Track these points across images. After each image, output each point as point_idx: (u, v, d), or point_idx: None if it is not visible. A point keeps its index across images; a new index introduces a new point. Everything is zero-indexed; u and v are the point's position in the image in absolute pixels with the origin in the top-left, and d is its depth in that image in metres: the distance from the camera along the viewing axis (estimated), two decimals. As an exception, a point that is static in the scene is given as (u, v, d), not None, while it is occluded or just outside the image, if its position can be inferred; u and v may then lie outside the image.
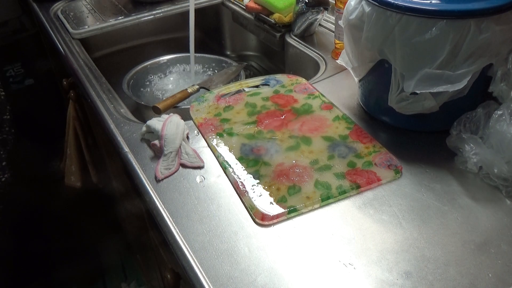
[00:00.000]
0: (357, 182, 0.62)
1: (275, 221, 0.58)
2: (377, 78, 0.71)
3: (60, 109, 1.43)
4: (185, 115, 0.77)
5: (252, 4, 1.15)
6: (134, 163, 0.69)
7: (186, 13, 1.27)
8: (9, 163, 1.23)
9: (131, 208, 1.07)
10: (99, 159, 1.18)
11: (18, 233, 1.46)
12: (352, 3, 0.69)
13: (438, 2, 0.61)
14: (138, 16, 1.22)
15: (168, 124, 0.71)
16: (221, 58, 1.18)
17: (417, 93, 0.64)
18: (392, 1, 0.62)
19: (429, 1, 0.61)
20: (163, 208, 0.60)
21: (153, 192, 0.63)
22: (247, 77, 1.11)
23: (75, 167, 1.16)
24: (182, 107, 0.96)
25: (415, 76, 0.63)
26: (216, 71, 1.16)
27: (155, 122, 0.73)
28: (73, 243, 1.60)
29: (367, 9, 0.65)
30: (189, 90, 1.00)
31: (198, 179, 0.65)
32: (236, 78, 1.07)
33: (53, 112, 1.45)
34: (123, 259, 1.59)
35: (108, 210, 1.50)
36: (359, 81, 0.77)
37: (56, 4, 1.29)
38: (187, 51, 1.19)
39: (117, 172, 1.06)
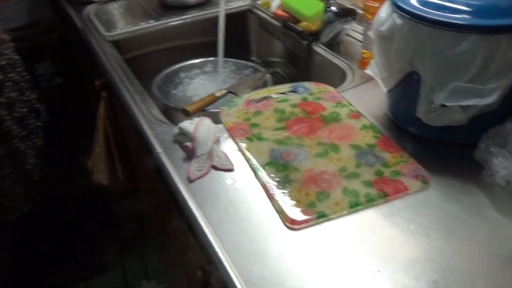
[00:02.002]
0: (384, 190, 0.63)
1: (304, 225, 0.59)
2: (406, 89, 0.73)
3: (86, 107, 1.47)
4: (213, 118, 0.79)
5: (280, 12, 1.17)
6: (167, 164, 0.71)
7: (214, 19, 1.30)
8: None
9: (157, 207, 1.09)
10: (127, 158, 1.21)
11: (51, 232, 1.50)
12: (383, 14, 0.71)
13: (469, 16, 0.62)
14: (168, 20, 1.26)
15: (200, 127, 0.73)
16: (248, 63, 1.20)
17: (446, 106, 0.65)
18: (424, 15, 0.63)
19: (461, 16, 0.62)
20: (196, 208, 0.63)
21: (186, 192, 0.66)
22: (273, 82, 1.13)
23: (103, 165, 1.20)
24: (210, 110, 0.98)
25: (445, 89, 0.64)
26: (242, 75, 1.18)
27: (188, 125, 0.75)
28: (93, 241, 1.64)
29: (398, 21, 0.67)
30: (217, 94, 1.03)
31: (228, 182, 0.67)
32: (263, 84, 1.09)
33: (79, 110, 1.48)
34: (145, 257, 1.62)
35: (134, 209, 1.53)
36: (388, 91, 0.78)
37: (89, 7, 1.33)
38: (214, 55, 1.22)
39: (145, 171, 1.09)
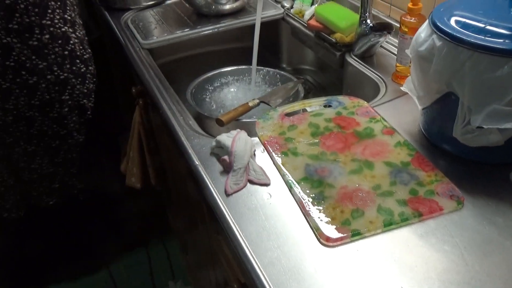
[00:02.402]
0: (419, 210, 0.64)
1: (338, 243, 0.61)
2: (442, 108, 0.73)
3: (116, 112, 1.52)
4: (247, 129, 0.81)
5: (314, 22, 1.18)
6: (205, 176, 0.74)
7: (247, 27, 1.33)
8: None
9: (187, 210, 1.12)
10: (159, 164, 1.25)
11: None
12: (423, 35, 0.71)
13: (511, 41, 0.62)
14: (203, 29, 1.28)
15: (238, 141, 0.75)
16: (279, 71, 1.22)
17: (483, 127, 0.66)
18: (465, 38, 0.64)
19: (501, 40, 0.62)
20: (233, 223, 0.65)
21: (223, 206, 0.68)
22: (304, 91, 1.14)
23: (136, 169, 1.24)
24: (243, 120, 1.00)
25: (483, 111, 0.64)
26: (274, 84, 1.20)
27: (225, 138, 0.77)
28: (122, 241, 1.68)
29: (438, 43, 0.67)
30: (250, 104, 1.05)
31: (265, 196, 0.69)
32: (295, 93, 1.10)
33: (109, 114, 1.53)
34: (172, 259, 1.66)
35: (161, 211, 1.57)
36: (423, 108, 0.78)
37: (126, 14, 1.37)
38: (246, 63, 1.24)
39: (177, 178, 1.12)
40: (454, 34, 0.65)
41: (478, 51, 0.63)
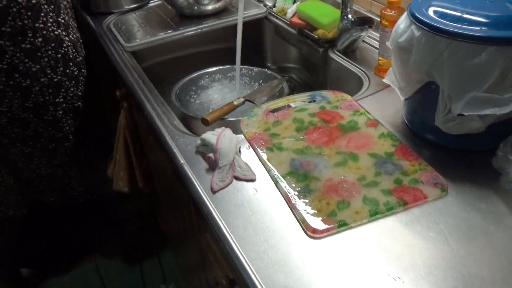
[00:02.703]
0: (404, 199, 0.65)
1: (325, 234, 0.61)
2: (424, 98, 0.74)
3: (101, 115, 1.51)
4: (232, 127, 0.81)
5: (296, 20, 1.19)
6: (190, 175, 0.73)
7: (230, 27, 1.33)
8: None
9: (175, 211, 1.12)
10: (146, 166, 1.24)
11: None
12: (402, 26, 0.72)
13: (488, 28, 0.63)
14: (186, 30, 1.28)
15: (222, 138, 0.75)
16: (264, 70, 1.22)
17: (464, 115, 0.66)
18: (442, 27, 0.64)
19: (479, 27, 0.63)
20: (220, 219, 0.65)
21: (210, 203, 0.68)
22: (289, 89, 1.15)
23: (123, 173, 1.23)
24: (229, 119, 1.00)
25: (463, 98, 0.65)
26: (258, 83, 1.20)
27: (210, 136, 0.77)
28: (114, 244, 1.68)
29: (417, 33, 0.68)
30: (235, 103, 1.05)
31: (251, 192, 0.69)
32: (280, 91, 1.11)
33: (96, 118, 1.52)
34: (163, 262, 1.65)
35: (151, 214, 1.56)
36: (405, 99, 0.79)
37: (108, 18, 1.37)
38: (230, 63, 1.24)
39: (164, 179, 1.11)
40: (432, 23, 0.66)
41: (456, 39, 0.64)
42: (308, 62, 1.30)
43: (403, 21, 0.72)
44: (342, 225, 0.62)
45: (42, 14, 1.13)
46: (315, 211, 0.64)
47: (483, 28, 0.63)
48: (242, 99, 1.07)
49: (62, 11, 1.19)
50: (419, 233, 0.60)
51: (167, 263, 1.64)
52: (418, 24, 0.68)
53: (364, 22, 1.01)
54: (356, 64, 1.05)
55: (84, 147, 1.35)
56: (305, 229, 0.62)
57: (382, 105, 0.87)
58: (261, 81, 1.20)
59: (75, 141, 1.32)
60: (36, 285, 1.60)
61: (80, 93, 1.28)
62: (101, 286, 1.59)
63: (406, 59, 0.71)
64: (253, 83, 1.21)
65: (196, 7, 1.32)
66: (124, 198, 1.46)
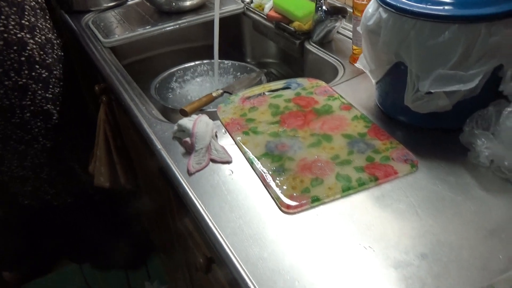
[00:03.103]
0: (375, 175, 0.66)
1: (299, 209, 0.62)
2: (394, 79, 0.76)
3: (85, 113, 1.51)
4: (211, 117, 0.82)
5: (273, 13, 1.21)
6: (168, 159, 0.74)
7: (209, 23, 1.34)
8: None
9: (158, 206, 1.12)
10: (127, 161, 1.25)
11: (32, 230, 1.53)
12: (370, 10, 0.74)
13: (450, 7, 0.65)
14: (164, 25, 1.29)
15: (199, 123, 0.76)
16: (243, 64, 1.24)
17: (431, 93, 0.68)
18: (407, 7, 0.67)
19: (442, 7, 0.66)
20: (196, 199, 0.66)
21: (186, 185, 0.69)
22: (267, 82, 1.16)
23: (104, 168, 1.23)
24: (207, 110, 1.01)
25: (430, 76, 0.67)
26: (238, 76, 1.22)
27: (186, 122, 0.78)
28: (97, 242, 1.66)
29: (384, 15, 0.70)
30: (214, 94, 1.06)
31: (227, 173, 0.70)
32: (258, 84, 1.12)
33: (79, 116, 1.52)
34: (147, 259, 1.64)
35: (131, 211, 1.56)
36: (376, 83, 0.81)
37: (87, 15, 1.37)
38: (210, 58, 1.26)
39: (145, 172, 1.12)
40: (398, 5, 0.68)
41: (421, 19, 0.66)
42: (286, 55, 1.32)
43: (371, 5, 0.75)
44: (315, 201, 0.63)
45: (3, 17, 1.11)
46: (289, 189, 0.65)
47: (446, 7, 0.65)
48: (221, 91, 1.08)
49: (26, 13, 1.18)
50: (390, 206, 0.62)
51: (151, 260, 1.63)
52: (385, 6, 0.70)
53: (337, 12, 1.03)
54: (331, 54, 1.07)
55: (58, 149, 1.34)
56: (279, 206, 0.63)
57: (356, 90, 0.89)
58: (239, 74, 1.21)
59: (45, 143, 1.30)
60: (18, 286, 1.59)
61: (50, 95, 1.26)
62: (85, 286, 1.58)
63: (375, 42, 0.73)
64: (232, 76, 1.23)
65: (174, 3, 1.33)
66: (107, 198, 1.46)
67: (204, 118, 0.79)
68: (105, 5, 1.42)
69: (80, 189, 1.44)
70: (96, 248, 1.62)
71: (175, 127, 0.80)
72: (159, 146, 0.78)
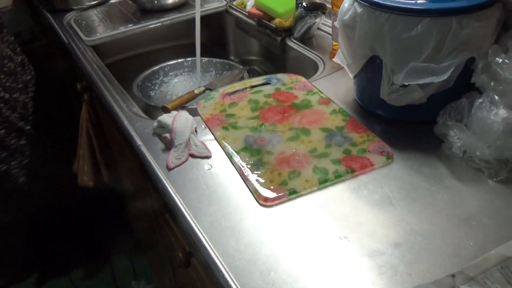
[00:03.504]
0: (352, 167, 0.67)
1: (276, 202, 0.63)
2: (370, 73, 0.77)
3: (69, 112, 1.50)
4: (193, 114, 0.83)
5: (254, 11, 1.22)
6: (147, 155, 0.75)
7: (191, 20, 1.34)
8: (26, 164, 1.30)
9: (141, 204, 1.12)
10: (110, 159, 1.24)
11: (32, 232, 1.52)
12: (346, 4, 0.75)
13: (423, 1, 0.67)
14: (147, 23, 1.29)
15: (178, 119, 0.77)
16: (226, 61, 1.24)
17: (406, 86, 0.70)
18: (381, 2, 0.68)
19: (414, 1, 0.67)
20: (175, 194, 0.66)
21: (165, 180, 0.69)
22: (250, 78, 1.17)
23: (87, 167, 1.23)
24: (190, 107, 1.02)
25: (404, 69, 0.68)
26: (220, 73, 1.22)
27: (166, 118, 0.79)
28: (83, 242, 1.66)
29: (359, 9, 0.71)
30: (196, 91, 1.07)
31: (206, 168, 0.71)
32: (240, 80, 1.13)
33: (63, 115, 1.51)
34: (133, 258, 1.64)
35: (119, 210, 1.55)
36: (354, 77, 0.82)
37: (69, 14, 1.37)
38: (193, 55, 1.26)
39: (128, 171, 1.12)
40: (372, -1, 0.69)
41: (394, 13, 0.67)
42: (268, 52, 1.33)
43: (347, 0, 0.76)
44: (293, 193, 0.64)
45: None
46: (267, 182, 0.66)
47: (419, 1, 0.66)
48: (203, 88, 1.09)
49: None
50: (366, 197, 0.63)
51: (137, 259, 1.63)
52: (360, 1, 0.71)
53: (317, 8, 1.04)
54: (312, 51, 1.08)
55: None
56: (257, 198, 0.64)
57: (335, 85, 0.90)
58: (222, 72, 1.22)
59: (22, 160, 1.28)
60: None
61: (19, 115, 1.25)
62: (72, 286, 1.57)
63: (351, 36, 0.74)
64: (215, 74, 1.23)
65: (156, 1, 1.33)
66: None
67: (184, 113, 0.79)
68: (87, 3, 1.42)
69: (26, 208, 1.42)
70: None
71: (155, 123, 0.80)
72: (139, 142, 0.78)
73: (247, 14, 1.29)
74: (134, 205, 1.27)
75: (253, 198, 0.64)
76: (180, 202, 0.64)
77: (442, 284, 0.49)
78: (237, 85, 0.92)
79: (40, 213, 1.41)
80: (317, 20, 1.07)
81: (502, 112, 0.62)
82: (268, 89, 0.89)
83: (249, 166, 0.69)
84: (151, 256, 1.43)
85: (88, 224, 1.62)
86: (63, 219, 1.52)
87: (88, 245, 1.63)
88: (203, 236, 0.58)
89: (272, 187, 0.65)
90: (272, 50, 1.23)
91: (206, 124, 0.81)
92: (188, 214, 0.62)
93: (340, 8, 0.78)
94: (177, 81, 1.23)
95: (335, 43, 1.01)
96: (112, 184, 1.28)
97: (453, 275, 0.50)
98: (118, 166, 1.24)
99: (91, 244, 1.64)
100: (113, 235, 1.60)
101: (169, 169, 0.71)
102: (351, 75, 0.82)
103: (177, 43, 1.42)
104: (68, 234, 1.58)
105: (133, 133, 0.81)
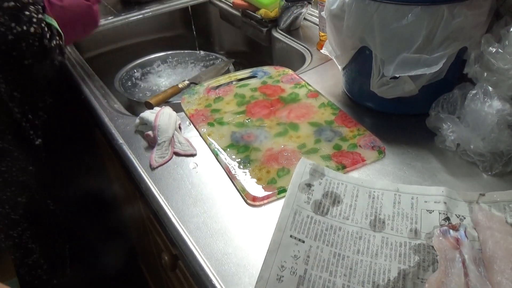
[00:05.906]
0: (343, 163, 0.65)
1: (265, 201, 0.61)
2: (359, 65, 0.75)
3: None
4: (177, 109, 0.79)
5: (239, 1, 1.18)
6: (129, 154, 0.71)
7: (174, 12, 1.31)
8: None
9: (131, 211, 1.09)
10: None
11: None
12: (333, -6, 0.73)
13: (413, -10, 0.64)
14: (128, 16, 1.25)
15: (161, 116, 0.74)
16: (210, 53, 1.21)
17: (397, 77, 0.67)
18: (370, -10, 0.65)
19: (404, -11, 0.64)
20: (158, 194, 0.63)
21: (148, 180, 0.66)
22: (235, 71, 1.14)
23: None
24: (174, 101, 0.99)
25: (394, 61, 0.66)
26: (205, 66, 1.19)
27: (148, 114, 0.75)
28: (76, 247, 1.61)
29: (347, -1, 0.69)
30: (180, 86, 1.04)
31: (191, 166, 0.68)
32: (225, 74, 1.10)
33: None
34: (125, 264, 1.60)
35: (112, 215, 1.51)
36: (343, 69, 0.80)
37: (46, 7, 1.31)
38: (177, 49, 1.23)
39: (116, 175, 1.08)
40: (361, -12, 0.66)
41: (384, 1, 0.64)
42: (254, 44, 1.30)
43: (335, -11, 0.73)
44: (282, 191, 0.61)
45: None
46: (255, 180, 0.63)
47: (409, -11, 0.64)
48: (187, 82, 1.06)
49: None
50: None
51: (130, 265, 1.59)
52: (348, -10, 0.68)
53: (303, -2, 1.01)
54: (299, 42, 1.05)
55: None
56: (245, 198, 0.61)
57: (323, 77, 0.88)
58: (206, 64, 1.18)
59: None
60: None
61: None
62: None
63: (340, 26, 0.71)
64: (199, 67, 1.20)
65: (137, -7, 1.29)
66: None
67: (167, 110, 0.76)
68: (65, -4, 1.36)
69: None
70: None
71: (137, 120, 0.77)
72: (120, 140, 0.75)
73: (231, 4, 1.25)
74: (125, 212, 1.23)
75: (241, 197, 0.62)
76: (164, 203, 0.62)
77: (470, 196, 0.56)
78: (223, 79, 0.89)
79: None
80: (303, 10, 1.04)
81: (496, 104, 0.60)
82: (254, 82, 0.86)
83: (236, 164, 0.66)
84: (142, 262, 1.40)
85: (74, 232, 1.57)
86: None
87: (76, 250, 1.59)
88: (189, 239, 0.56)
89: (260, 186, 0.62)
90: (258, 41, 1.20)
91: (190, 120, 0.78)
92: (173, 215, 0.60)
93: (328, -3, 0.75)
94: (161, 75, 1.19)
95: (323, 34, 0.98)
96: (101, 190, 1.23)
97: (483, 194, 0.56)
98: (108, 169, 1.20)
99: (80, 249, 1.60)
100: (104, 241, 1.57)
101: (152, 168, 0.68)
102: (340, 67, 0.80)
103: (160, 36, 1.37)
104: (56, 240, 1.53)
105: (114, 130, 0.77)
